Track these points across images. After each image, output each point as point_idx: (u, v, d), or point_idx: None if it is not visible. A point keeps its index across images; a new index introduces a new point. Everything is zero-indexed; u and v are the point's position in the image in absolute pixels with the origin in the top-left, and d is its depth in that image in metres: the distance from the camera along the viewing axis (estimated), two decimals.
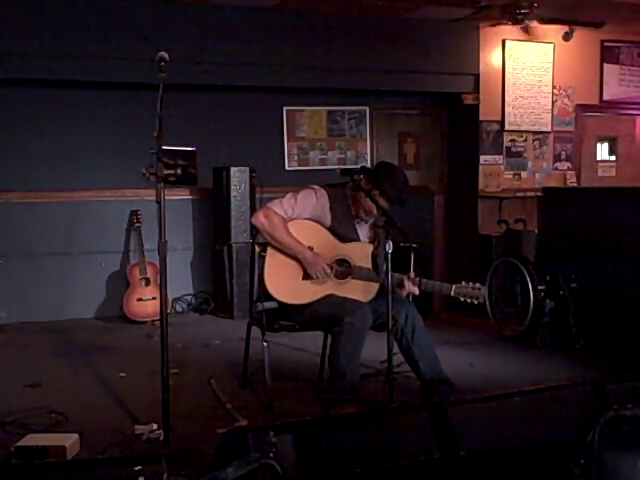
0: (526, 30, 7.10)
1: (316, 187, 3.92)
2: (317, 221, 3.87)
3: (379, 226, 3.88)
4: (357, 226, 3.94)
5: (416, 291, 3.76)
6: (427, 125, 7.79)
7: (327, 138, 7.34)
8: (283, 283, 3.84)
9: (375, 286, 3.82)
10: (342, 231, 3.86)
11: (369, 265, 3.83)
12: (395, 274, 3.61)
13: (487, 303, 5.68)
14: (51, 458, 3.02)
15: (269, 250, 3.86)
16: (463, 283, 3.70)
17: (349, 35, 6.67)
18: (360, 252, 3.85)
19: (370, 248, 3.88)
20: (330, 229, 3.86)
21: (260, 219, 3.81)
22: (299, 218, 3.85)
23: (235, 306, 6.41)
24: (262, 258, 3.88)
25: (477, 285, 3.69)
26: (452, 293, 3.69)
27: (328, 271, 3.79)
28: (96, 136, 6.53)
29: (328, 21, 6.61)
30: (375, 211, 3.77)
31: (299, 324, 3.90)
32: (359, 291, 3.82)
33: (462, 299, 3.70)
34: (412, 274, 3.79)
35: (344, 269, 3.85)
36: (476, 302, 3.69)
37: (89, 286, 6.59)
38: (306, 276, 3.83)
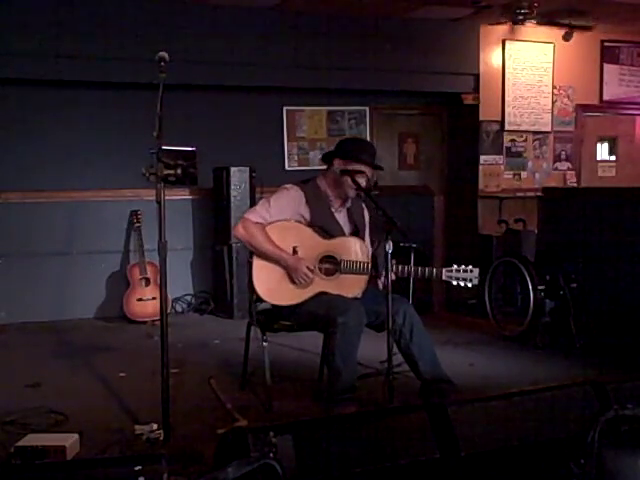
0: (550, 22, 6.96)
1: (289, 185, 3.94)
2: (298, 220, 3.87)
3: (379, 227, 3.87)
4: (336, 214, 3.95)
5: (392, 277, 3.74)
6: (427, 125, 7.79)
7: (327, 138, 7.33)
8: (272, 286, 3.84)
9: (364, 278, 3.82)
10: (323, 223, 3.87)
11: (357, 258, 3.82)
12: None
13: (487, 303, 5.68)
14: (51, 458, 3.01)
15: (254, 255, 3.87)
16: (454, 266, 3.69)
17: (349, 35, 6.67)
18: (345, 246, 3.85)
19: (354, 241, 3.88)
20: (311, 224, 3.86)
21: (239, 231, 3.84)
22: (278, 219, 3.85)
23: (235, 306, 6.41)
24: (249, 264, 3.89)
25: (469, 267, 3.68)
26: (443, 277, 3.69)
27: (310, 275, 3.78)
28: (96, 136, 6.53)
29: (328, 21, 6.61)
30: (356, 186, 3.77)
31: (295, 324, 3.90)
32: (349, 285, 3.82)
33: (455, 283, 3.70)
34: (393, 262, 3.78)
35: (332, 265, 3.85)
36: (470, 284, 3.69)
37: (89, 286, 6.58)
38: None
